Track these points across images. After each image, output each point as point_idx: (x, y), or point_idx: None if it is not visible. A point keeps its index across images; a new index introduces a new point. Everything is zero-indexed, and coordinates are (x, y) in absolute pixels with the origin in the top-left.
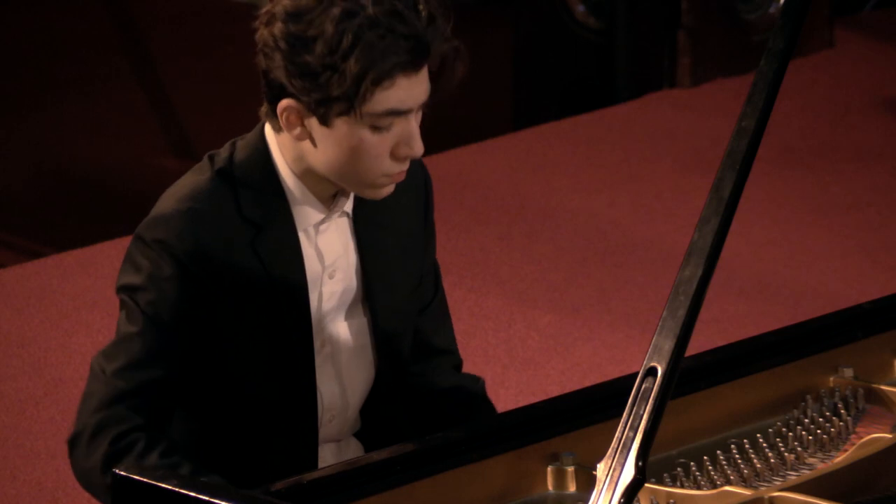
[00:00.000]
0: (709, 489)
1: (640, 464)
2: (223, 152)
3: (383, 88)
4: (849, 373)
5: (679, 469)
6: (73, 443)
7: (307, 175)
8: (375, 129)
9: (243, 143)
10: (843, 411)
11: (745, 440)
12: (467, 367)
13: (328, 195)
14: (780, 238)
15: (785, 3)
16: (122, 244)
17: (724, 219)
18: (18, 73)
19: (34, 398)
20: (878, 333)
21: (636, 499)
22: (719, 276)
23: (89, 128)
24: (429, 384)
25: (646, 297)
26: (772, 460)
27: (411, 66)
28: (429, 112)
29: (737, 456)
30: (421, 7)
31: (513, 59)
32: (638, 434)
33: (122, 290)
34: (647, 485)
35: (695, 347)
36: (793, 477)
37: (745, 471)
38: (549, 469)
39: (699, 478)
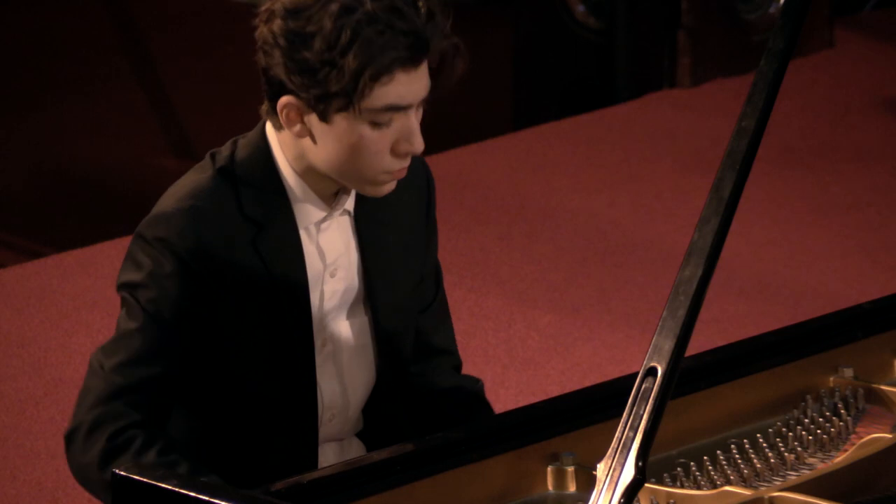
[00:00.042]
0: (709, 489)
1: (640, 464)
2: (224, 151)
3: (382, 84)
4: (849, 373)
5: (679, 469)
6: (69, 438)
7: (308, 173)
8: (375, 125)
9: (244, 142)
10: (843, 411)
11: (745, 440)
12: (467, 367)
13: (329, 193)
14: (780, 238)
15: (785, 3)
16: (122, 244)
17: (724, 219)
18: (18, 73)
19: (34, 398)
20: (878, 333)
21: (636, 499)
22: (719, 276)
23: (89, 128)
24: (428, 384)
25: (646, 297)
26: (772, 460)
27: (410, 62)
28: (429, 112)
29: (737, 456)
30: (420, 3)
31: (513, 58)
32: (638, 434)
33: (123, 287)
34: (647, 485)
35: (695, 347)
36: (793, 477)
37: (745, 471)
38: (549, 469)
39: (699, 478)
